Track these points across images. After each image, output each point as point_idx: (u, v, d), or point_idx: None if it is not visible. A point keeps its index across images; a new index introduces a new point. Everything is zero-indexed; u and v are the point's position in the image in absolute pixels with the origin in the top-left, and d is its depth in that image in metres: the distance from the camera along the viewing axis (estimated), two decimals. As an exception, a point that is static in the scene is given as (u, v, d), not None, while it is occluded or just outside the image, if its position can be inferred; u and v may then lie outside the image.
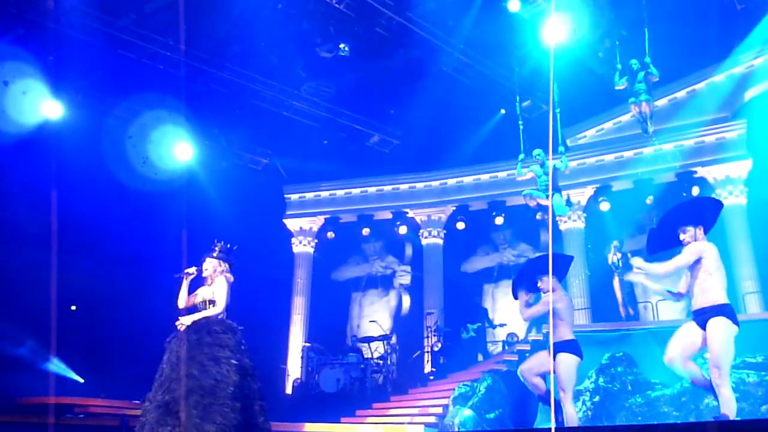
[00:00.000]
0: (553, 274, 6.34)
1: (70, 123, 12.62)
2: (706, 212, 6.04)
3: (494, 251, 17.95)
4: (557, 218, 11.21)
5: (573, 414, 6.45)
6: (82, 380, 12.24)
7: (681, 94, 14.91)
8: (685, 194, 14.75)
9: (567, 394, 6.33)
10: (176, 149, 14.10)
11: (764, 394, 8.69)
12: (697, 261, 5.73)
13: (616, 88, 10.82)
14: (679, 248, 5.94)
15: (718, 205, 6.17)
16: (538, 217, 14.82)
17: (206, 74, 13.75)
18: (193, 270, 6.50)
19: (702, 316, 5.65)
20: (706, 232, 5.94)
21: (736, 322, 5.57)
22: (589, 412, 9.69)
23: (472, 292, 17.38)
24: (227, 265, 6.56)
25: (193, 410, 5.62)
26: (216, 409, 5.71)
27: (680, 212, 6.04)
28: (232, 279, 6.53)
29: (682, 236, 5.91)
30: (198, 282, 6.54)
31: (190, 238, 8.57)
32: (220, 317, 6.32)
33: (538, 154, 10.92)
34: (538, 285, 6.73)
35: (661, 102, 14.12)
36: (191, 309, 6.40)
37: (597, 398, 9.73)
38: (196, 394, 5.71)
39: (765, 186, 13.79)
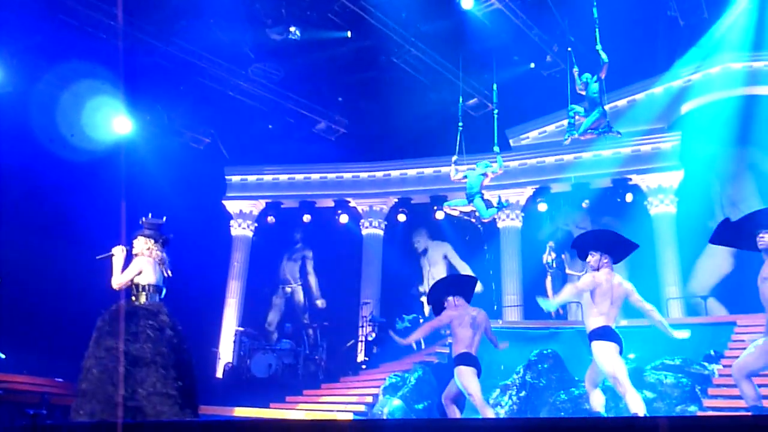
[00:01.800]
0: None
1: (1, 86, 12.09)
2: (620, 246, 6.21)
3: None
4: (483, 220, 11.28)
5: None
6: (3, 356, 11.78)
7: (622, 102, 15.35)
8: (619, 200, 15.26)
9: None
10: (114, 122, 13.69)
11: (680, 395, 9.07)
12: (592, 289, 6.03)
13: (578, 89, 10.70)
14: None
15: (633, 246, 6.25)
16: (473, 220, 15.01)
17: (151, 47, 13.38)
18: (117, 250, 6.26)
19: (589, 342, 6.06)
20: (614, 261, 6.15)
21: (610, 339, 5.88)
22: (515, 407, 9.92)
23: (409, 284, 17.52)
24: (153, 242, 6.33)
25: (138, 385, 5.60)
26: (153, 379, 5.68)
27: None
28: (159, 257, 6.32)
29: (589, 258, 6.16)
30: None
31: (128, 212, 8.33)
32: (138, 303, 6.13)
33: (484, 165, 11.10)
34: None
35: (603, 108, 14.49)
36: (128, 290, 6.22)
37: (523, 393, 9.96)
38: (135, 363, 5.65)
39: (694, 197, 14.35)
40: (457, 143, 11.65)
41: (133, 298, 6.15)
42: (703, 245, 13.57)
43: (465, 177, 11.29)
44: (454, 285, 7.32)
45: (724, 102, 14.45)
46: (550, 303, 6.49)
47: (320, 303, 17.69)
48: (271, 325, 17.19)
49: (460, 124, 11.77)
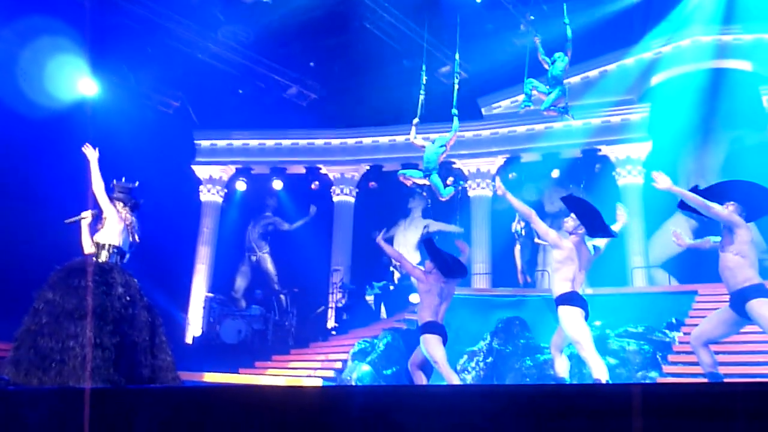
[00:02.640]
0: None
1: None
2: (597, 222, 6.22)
3: (404, 216, 18.05)
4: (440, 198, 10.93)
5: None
6: None
7: (593, 73, 15.43)
8: (588, 170, 15.44)
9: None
10: (79, 83, 13.35)
11: (642, 361, 9.33)
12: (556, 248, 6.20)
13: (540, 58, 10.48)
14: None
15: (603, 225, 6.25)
16: (424, 193, 14.93)
17: (118, 7, 13.01)
18: (86, 214, 6.21)
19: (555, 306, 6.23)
20: (588, 235, 6.26)
21: (576, 304, 6.04)
22: (482, 372, 10.12)
23: (380, 251, 17.53)
24: (122, 205, 6.28)
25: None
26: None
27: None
28: (129, 221, 6.27)
29: (567, 221, 6.32)
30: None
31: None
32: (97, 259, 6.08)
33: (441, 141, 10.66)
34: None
35: (574, 80, 14.57)
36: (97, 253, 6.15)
37: (490, 359, 10.15)
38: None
39: (661, 168, 14.48)
40: (419, 107, 11.17)
41: (94, 258, 6.08)
42: (668, 216, 13.82)
43: (423, 147, 10.87)
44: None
45: (693, 75, 14.61)
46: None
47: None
48: (237, 292, 17.11)
49: (422, 91, 11.35)
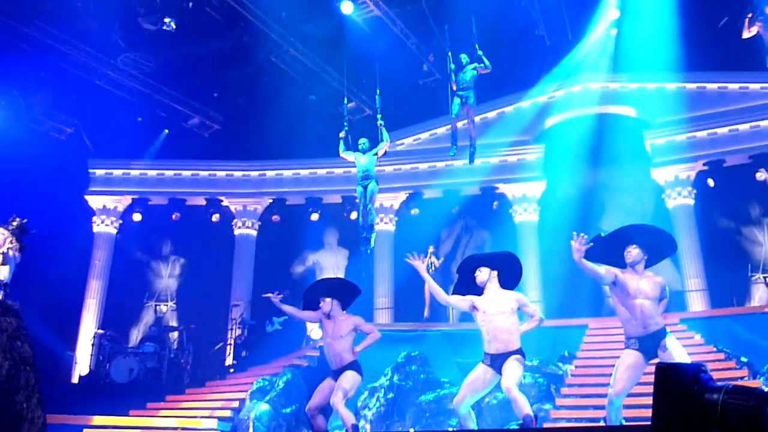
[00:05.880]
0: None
1: None
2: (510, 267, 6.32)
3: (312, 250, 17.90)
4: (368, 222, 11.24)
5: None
6: None
7: (492, 114, 16.06)
8: (486, 207, 15.96)
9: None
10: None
11: (537, 394, 9.57)
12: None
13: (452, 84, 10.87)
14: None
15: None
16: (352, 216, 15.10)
17: (9, 28, 12.41)
18: None
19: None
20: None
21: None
22: (382, 408, 10.08)
23: (282, 285, 17.28)
24: (18, 244, 5.95)
25: None
26: None
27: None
28: (18, 258, 5.94)
29: (477, 274, 6.19)
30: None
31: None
32: None
33: (363, 143, 11.01)
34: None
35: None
36: None
37: (391, 395, 10.13)
38: None
39: (554, 206, 15.25)
40: (345, 124, 11.36)
41: None
42: (561, 252, 14.42)
43: (354, 158, 11.08)
44: (337, 289, 7.15)
45: (583, 119, 15.50)
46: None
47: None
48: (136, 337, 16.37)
49: (345, 123, 11.60)
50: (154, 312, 17.04)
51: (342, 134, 11.06)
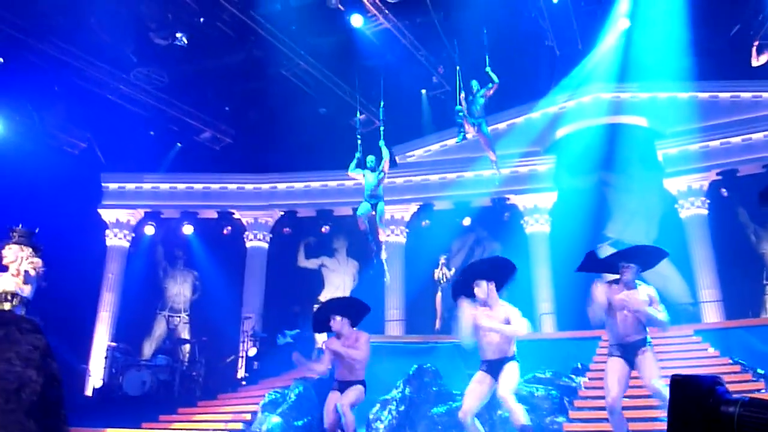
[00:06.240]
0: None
1: None
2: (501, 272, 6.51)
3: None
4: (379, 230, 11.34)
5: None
6: None
7: (502, 125, 16.04)
8: (497, 218, 15.92)
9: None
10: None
11: (550, 407, 9.50)
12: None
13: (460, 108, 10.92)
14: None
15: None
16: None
17: (24, 44, 12.57)
18: None
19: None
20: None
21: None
22: (394, 421, 10.02)
23: (294, 299, 17.33)
24: (31, 250, 5.95)
25: None
26: (15, 417, 5.11)
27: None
28: (41, 268, 5.95)
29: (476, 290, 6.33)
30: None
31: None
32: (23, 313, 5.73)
33: (371, 161, 11.15)
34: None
35: (484, 131, 15.10)
36: None
37: (402, 407, 10.07)
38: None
39: (566, 217, 15.19)
40: (358, 144, 11.59)
41: (9, 308, 5.70)
42: (573, 263, 14.35)
43: (363, 177, 11.28)
44: (347, 307, 7.20)
45: (593, 129, 15.45)
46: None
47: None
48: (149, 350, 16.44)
49: (359, 135, 11.79)
50: (167, 324, 17.10)
51: (358, 154, 11.36)
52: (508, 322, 6.18)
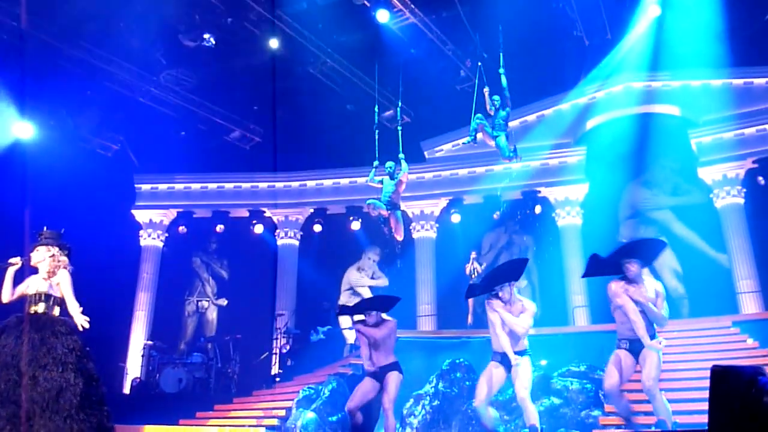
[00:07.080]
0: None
1: None
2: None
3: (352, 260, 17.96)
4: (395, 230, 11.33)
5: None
6: None
7: (531, 117, 15.91)
8: (528, 211, 15.77)
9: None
10: (14, 126, 12.98)
11: (585, 400, 9.42)
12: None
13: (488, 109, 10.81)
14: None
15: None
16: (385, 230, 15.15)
17: (56, 50, 12.80)
18: (16, 260, 5.89)
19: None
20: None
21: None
22: (428, 416, 10.02)
23: (324, 295, 17.41)
24: (57, 249, 6.03)
25: (36, 420, 5.15)
26: (58, 420, 5.23)
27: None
28: (69, 266, 6.04)
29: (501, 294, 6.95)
30: (24, 273, 5.99)
31: (31, 221, 7.87)
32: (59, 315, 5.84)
33: (390, 167, 11.09)
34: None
35: (513, 124, 14.93)
36: (20, 303, 5.87)
37: (436, 402, 10.08)
38: (40, 402, 5.21)
39: (598, 209, 15.01)
40: (376, 149, 11.71)
41: (42, 309, 5.82)
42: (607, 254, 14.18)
43: (381, 182, 11.31)
44: (379, 304, 7.73)
45: (625, 119, 15.22)
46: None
47: (222, 301, 17.39)
48: (184, 340, 16.69)
49: (376, 131, 11.85)
50: (201, 322, 17.32)
51: (376, 162, 11.46)
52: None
